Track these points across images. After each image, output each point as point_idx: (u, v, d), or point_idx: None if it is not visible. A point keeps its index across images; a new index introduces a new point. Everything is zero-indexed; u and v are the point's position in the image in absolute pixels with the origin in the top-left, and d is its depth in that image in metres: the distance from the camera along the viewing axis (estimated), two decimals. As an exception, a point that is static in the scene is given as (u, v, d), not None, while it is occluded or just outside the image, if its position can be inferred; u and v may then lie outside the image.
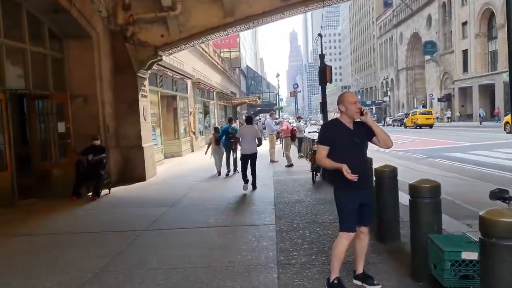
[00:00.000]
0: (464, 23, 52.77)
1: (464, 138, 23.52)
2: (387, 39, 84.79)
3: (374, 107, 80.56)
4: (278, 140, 16.90)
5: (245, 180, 9.87)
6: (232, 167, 13.58)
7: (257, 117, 68.45)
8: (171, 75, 19.09)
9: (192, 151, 22.88)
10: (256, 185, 10.09)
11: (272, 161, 15.84)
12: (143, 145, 12.53)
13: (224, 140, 13.19)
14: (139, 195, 9.97)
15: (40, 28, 10.46)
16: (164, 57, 13.65)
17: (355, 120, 3.91)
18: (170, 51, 13.35)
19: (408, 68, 74.20)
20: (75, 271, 4.83)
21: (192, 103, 24.25)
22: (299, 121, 17.37)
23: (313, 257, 4.91)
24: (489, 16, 48.21)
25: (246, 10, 12.45)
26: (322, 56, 11.14)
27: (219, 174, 13.16)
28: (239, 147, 10.66)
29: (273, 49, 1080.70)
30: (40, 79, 10.34)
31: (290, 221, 6.72)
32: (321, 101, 11.47)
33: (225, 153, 13.43)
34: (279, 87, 53.83)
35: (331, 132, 3.95)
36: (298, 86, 37.29)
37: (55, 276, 4.69)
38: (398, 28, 76.65)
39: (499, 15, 44.62)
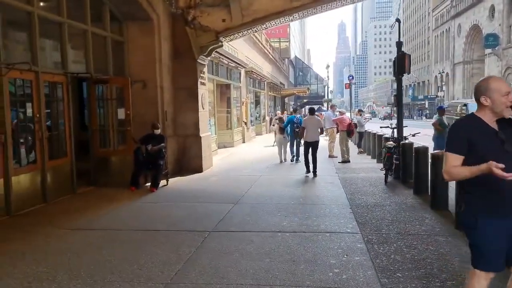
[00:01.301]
0: (533, 14, 49.04)
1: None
2: (443, 31, 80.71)
3: (427, 102, 77.17)
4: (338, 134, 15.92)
5: (308, 167, 11.11)
6: (295, 156, 14.08)
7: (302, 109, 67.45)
8: (227, 63, 18.48)
9: (244, 141, 22.30)
10: (317, 173, 10.86)
11: (331, 156, 14.92)
12: (200, 135, 11.98)
13: (290, 129, 13.77)
14: (199, 189, 9.39)
15: (101, 9, 10.05)
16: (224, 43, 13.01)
17: (502, 117, 2.89)
18: (232, 36, 12.67)
19: (466, 62, 70.28)
20: (144, 280, 4.22)
21: (244, 92, 23.63)
22: (360, 115, 16.31)
23: (424, 281, 4.06)
24: (562, 7, 44.43)
25: (314, -7, 11.55)
26: (399, 44, 10.08)
27: (282, 162, 13.84)
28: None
29: (321, 40, 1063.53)
30: (100, 62, 9.94)
31: (376, 229, 5.87)
32: (395, 93, 10.41)
33: (289, 141, 14.09)
34: (328, 78, 52.38)
35: (469, 134, 2.78)
36: (353, 78, 35.83)
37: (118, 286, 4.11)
38: (456, 19, 72.63)
39: None
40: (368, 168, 12.23)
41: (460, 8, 71.83)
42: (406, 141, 9.75)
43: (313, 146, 11.08)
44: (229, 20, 11.95)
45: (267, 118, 32.82)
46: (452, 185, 8.11)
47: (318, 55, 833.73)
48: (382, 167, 10.31)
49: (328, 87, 53.62)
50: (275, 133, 14.79)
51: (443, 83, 77.33)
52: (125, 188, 9.01)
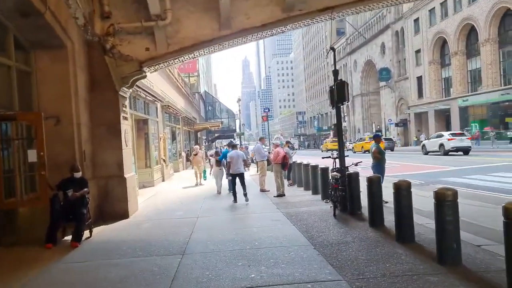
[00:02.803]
0: (418, 51, 54.58)
1: (439, 162, 23.19)
2: (341, 66, 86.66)
3: (331, 132, 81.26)
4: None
5: (235, 196, 12.43)
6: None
7: (214, 144, 67.00)
8: (144, 96, 17.26)
9: (163, 180, 20.86)
10: (258, 210, 10.90)
11: (263, 190, 14.30)
12: (125, 175, 10.61)
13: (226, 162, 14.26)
14: (132, 239, 8.05)
15: (4, 36, 8.51)
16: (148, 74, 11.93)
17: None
18: (157, 66, 11.65)
19: (363, 94, 75.84)
20: None
21: (161, 128, 22.34)
22: (288, 146, 16.03)
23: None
24: (441, 44, 50.08)
25: (243, 22, 11.06)
26: (336, 72, 9.92)
27: (219, 193, 14.59)
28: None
29: (226, 76, 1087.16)
30: (3, 96, 8.33)
31: (358, 273, 5.21)
32: (335, 123, 10.12)
33: (225, 173, 14.67)
34: (240, 112, 52.67)
35: None
36: (269, 110, 36.22)
37: None
38: (352, 55, 78.55)
39: (452, 43, 46.42)
40: (307, 201, 11.76)
41: (354, 46, 77.99)
42: (351, 171, 9.45)
43: (239, 177, 12.50)
44: (154, 48, 10.98)
45: (183, 154, 31.57)
46: (417, 216, 7.89)
47: (225, 90, 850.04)
48: (328, 199, 9.87)
49: (240, 121, 53.82)
50: (212, 166, 16.28)
51: (345, 114, 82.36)
52: (39, 246, 7.39)
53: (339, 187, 9.17)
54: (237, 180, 12.61)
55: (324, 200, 10.89)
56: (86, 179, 8.71)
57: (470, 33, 44.48)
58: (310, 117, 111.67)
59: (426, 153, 31.67)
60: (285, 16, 10.95)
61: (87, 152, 9.99)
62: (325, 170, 11.77)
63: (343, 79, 9.92)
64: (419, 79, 54.84)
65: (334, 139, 59.24)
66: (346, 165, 9.67)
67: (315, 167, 12.83)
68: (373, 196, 7.88)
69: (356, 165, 9.91)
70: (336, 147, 41.97)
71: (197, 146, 19.96)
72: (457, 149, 28.43)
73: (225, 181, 14.57)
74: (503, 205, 4.03)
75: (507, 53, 39.71)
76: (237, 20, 10.95)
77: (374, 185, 7.88)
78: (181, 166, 29.29)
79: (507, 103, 40.05)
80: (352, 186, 9.14)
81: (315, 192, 12.81)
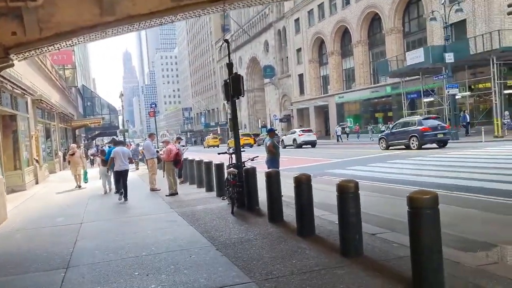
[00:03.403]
0: (299, 50, 57.50)
1: (321, 155, 24.59)
2: (226, 63, 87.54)
3: (219, 128, 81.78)
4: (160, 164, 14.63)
5: (120, 193, 11.96)
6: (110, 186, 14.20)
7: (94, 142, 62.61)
8: (11, 89, 15.15)
9: (37, 183, 18.68)
10: (146, 208, 10.65)
11: (153, 189, 13.52)
12: (-11, 180, 9.07)
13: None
14: (2, 253, 6.83)
15: None
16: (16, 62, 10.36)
17: None
18: (27, 54, 10.18)
19: (248, 90, 77.48)
20: None
21: (33, 125, 19.96)
22: (179, 143, 15.36)
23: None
24: (319, 44, 53.42)
25: (129, 8, 10.15)
26: (230, 65, 9.63)
27: (106, 192, 14.05)
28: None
29: (106, 69, 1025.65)
30: None
31: (266, 273, 4.97)
32: (230, 117, 9.85)
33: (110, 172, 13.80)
34: (123, 108, 49.91)
35: None
36: (156, 106, 34.77)
37: None
38: (237, 52, 79.79)
39: (328, 43, 49.77)
40: (202, 199, 11.34)
41: (239, 43, 79.35)
42: (248, 167, 9.28)
43: (122, 174, 12.08)
44: (22, 33, 9.54)
45: (60, 154, 28.82)
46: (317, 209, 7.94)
47: (105, 85, 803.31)
48: (225, 196, 9.58)
49: (123, 117, 51.08)
50: (99, 165, 15.61)
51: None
52: None
53: (236, 183, 8.93)
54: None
55: (221, 197, 10.59)
56: None
57: (345, 35, 48.12)
58: (197, 113, 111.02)
59: (299, 146, 35.31)
60: (175, 5, 10.33)
61: None
62: (220, 167, 11.47)
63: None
64: (301, 76, 57.85)
65: (214, 135, 62.96)
66: (242, 161, 9.47)
67: (209, 164, 12.46)
68: (271, 191, 7.78)
69: (252, 160, 9.78)
70: (217, 143, 42.57)
71: (74, 145, 18.14)
72: (306, 143, 34.78)
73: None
74: (407, 195, 4.10)
75: (376, 54, 43.79)
76: (122, 5, 10.02)
77: (273, 179, 7.79)
78: (57, 167, 26.67)
79: (376, 100, 44.25)
80: (250, 181, 8.97)
81: (209, 189, 12.45)
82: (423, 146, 22.03)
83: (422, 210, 3.94)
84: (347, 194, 5.30)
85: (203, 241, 6.73)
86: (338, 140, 39.41)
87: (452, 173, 12.37)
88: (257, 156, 10.17)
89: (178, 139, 16.46)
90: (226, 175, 9.90)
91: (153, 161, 13.73)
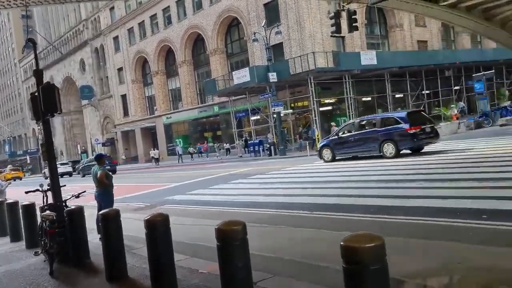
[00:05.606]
0: (120, 69, 54.12)
1: (160, 180, 22.69)
2: (34, 83, 77.58)
3: (28, 157, 71.17)
4: None
5: None
6: None
7: None
8: None
9: None
10: None
11: None
12: None
13: None
14: None
15: None
16: None
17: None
18: None
19: (64, 113, 69.73)
20: None
21: None
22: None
23: None
24: (142, 63, 51.17)
25: None
26: (39, 72, 7.12)
27: None
28: None
29: None
30: None
31: None
32: (42, 142, 7.24)
33: None
34: None
35: None
36: None
37: None
38: (47, 71, 71.16)
39: (152, 62, 48.03)
40: (4, 254, 8.30)
41: (49, 61, 71.09)
42: (72, 206, 6.92)
43: None
44: None
45: None
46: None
47: None
48: (39, 250, 6.99)
49: None
50: None
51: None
52: None
53: (56, 231, 6.50)
54: None
55: (33, 252, 7.76)
56: None
57: (169, 54, 47.02)
58: (1, 141, 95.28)
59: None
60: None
61: None
62: (29, 208, 8.62)
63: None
64: (124, 97, 54.45)
65: (14, 168, 54.49)
66: (64, 199, 7.07)
67: (12, 205, 9.40)
68: (110, 239, 5.70)
69: (77, 197, 7.44)
70: (18, 175, 36.32)
71: None
72: (62, 174, 34.57)
73: None
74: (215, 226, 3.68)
75: (201, 74, 43.80)
76: None
77: (111, 223, 5.73)
78: None
79: (204, 120, 44.11)
80: (76, 227, 6.65)
81: (15, 238, 9.37)
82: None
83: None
84: (156, 230, 4.82)
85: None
86: (178, 161, 38.10)
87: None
88: (85, 191, 7.82)
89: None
90: (39, 221, 7.30)
91: None
